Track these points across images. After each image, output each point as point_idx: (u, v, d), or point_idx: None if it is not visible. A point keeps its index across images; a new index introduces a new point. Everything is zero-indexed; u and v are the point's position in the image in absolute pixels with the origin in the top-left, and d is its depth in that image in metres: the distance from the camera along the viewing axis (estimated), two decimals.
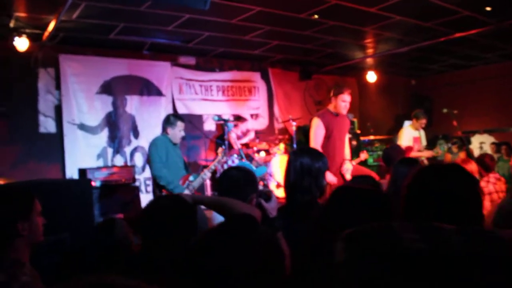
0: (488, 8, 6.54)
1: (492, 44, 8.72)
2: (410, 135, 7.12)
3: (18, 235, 2.02)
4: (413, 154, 6.62)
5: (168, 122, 5.21)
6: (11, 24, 6.19)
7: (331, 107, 5.22)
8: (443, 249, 1.11)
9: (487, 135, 10.12)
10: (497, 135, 10.14)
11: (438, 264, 1.08)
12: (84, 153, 7.37)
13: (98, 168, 6.64)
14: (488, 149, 9.53)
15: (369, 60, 9.74)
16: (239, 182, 2.70)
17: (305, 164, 2.60)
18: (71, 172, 7.07)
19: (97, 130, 7.55)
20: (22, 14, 5.89)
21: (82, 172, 6.49)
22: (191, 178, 5.06)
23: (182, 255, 1.46)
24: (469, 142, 9.53)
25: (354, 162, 5.49)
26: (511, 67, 10.21)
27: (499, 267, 1.10)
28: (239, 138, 7.97)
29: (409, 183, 1.56)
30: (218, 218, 2.68)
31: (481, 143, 9.93)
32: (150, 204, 2.06)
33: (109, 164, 7.48)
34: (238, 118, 8.17)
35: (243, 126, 8.03)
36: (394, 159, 4.24)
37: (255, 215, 2.00)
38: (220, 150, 5.31)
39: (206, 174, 5.20)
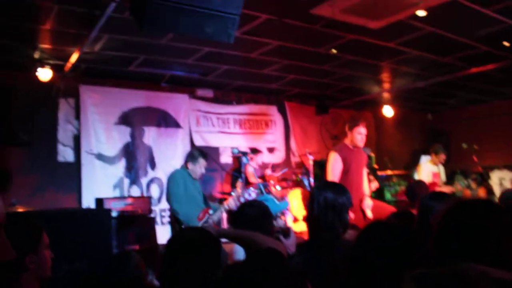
0: (507, 44, 6.54)
1: (509, 79, 8.68)
2: (429, 170, 7.04)
3: (26, 269, 1.95)
4: (435, 190, 6.53)
5: (191, 156, 5.20)
6: (36, 55, 6.34)
7: (347, 140, 5.21)
8: None
9: (507, 171, 9.96)
10: None
11: None
12: (101, 183, 7.40)
13: (115, 198, 6.64)
14: (508, 185, 9.36)
15: (386, 95, 9.75)
16: (256, 220, 2.67)
17: (329, 199, 2.57)
18: (88, 202, 7.08)
19: (115, 161, 7.60)
20: (46, 46, 6.03)
21: (99, 202, 6.49)
22: (210, 211, 5.03)
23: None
24: (489, 178, 9.38)
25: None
26: None
27: None
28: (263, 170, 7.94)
29: (442, 218, 1.51)
30: (239, 252, 2.64)
31: (501, 179, 9.77)
32: (176, 236, 2.05)
33: (126, 194, 7.49)
34: (254, 151, 8.16)
35: (259, 159, 8.01)
36: (419, 194, 4.18)
37: (280, 250, 1.96)
38: (239, 184, 5.29)
39: (225, 208, 5.17)
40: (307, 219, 2.65)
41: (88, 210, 6.25)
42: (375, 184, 7.36)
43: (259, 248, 1.99)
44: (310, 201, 2.63)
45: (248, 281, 1.74)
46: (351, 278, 1.70)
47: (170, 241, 2.05)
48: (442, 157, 7.09)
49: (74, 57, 6.20)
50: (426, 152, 7.78)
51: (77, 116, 7.35)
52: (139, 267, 2.64)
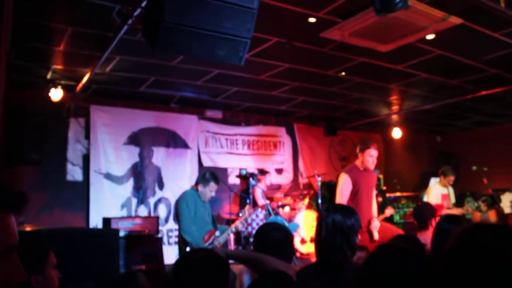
0: None
1: None
2: (438, 192, 6.99)
3: None
4: (443, 212, 6.48)
5: (202, 178, 5.19)
6: (48, 76, 6.44)
7: (358, 162, 5.20)
8: None
9: None
10: None
11: None
12: (108, 202, 7.42)
13: (122, 218, 6.63)
14: None
15: (395, 117, 9.75)
16: (282, 243, 2.66)
17: (337, 221, 2.55)
18: (95, 221, 7.09)
19: (123, 180, 7.62)
20: (59, 67, 6.13)
21: (106, 221, 6.49)
22: (217, 233, 5.02)
23: None
24: (499, 200, 9.29)
25: (379, 219, 5.39)
26: None
27: None
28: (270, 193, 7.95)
29: (454, 243, 1.48)
30: (246, 275, 2.63)
31: None
32: (184, 256, 2.04)
33: (133, 214, 7.49)
34: (262, 172, 8.16)
35: (267, 180, 8.01)
36: (428, 216, 4.14)
37: (289, 273, 1.95)
38: (247, 207, 5.28)
39: (232, 230, 5.15)
40: (315, 241, 2.63)
41: (96, 229, 6.27)
42: (390, 211, 7.25)
43: (269, 269, 1.98)
44: (318, 223, 2.62)
45: None
46: None
47: (178, 261, 2.04)
48: (451, 178, 7.05)
49: (85, 78, 6.28)
50: (435, 174, 7.74)
51: (87, 136, 7.41)
52: (145, 286, 2.63)
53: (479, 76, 6.90)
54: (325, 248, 2.56)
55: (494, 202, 8.17)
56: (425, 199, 6.99)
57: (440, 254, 1.71)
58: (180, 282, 1.96)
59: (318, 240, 2.62)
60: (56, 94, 6.64)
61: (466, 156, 10.88)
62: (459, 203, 7.53)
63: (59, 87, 6.64)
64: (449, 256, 1.48)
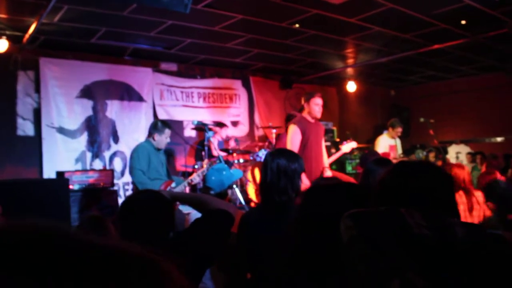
0: (463, 22, 6.73)
1: (467, 57, 8.95)
2: (386, 143, 7.25)
3: None
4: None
5: (155, 128, 5.22)
6: None
7: (305, 113, 5.32)
8: (447, 237, 1.16)
9: (463, 145, 10.35)
10: (473, 145, 10.39)
11: (441, 251, 1.13)
12: (62, 157, 7.32)
13: (77, 172, 6.60)
14: (464, 158, 9.74)
15: (349, 70, 9.90)
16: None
17: (282, 165, 2.65)
18: (49, 176, 7.00)
19: (76, 134, 7.51)
20: (2, 16, 5.86)
21: (60, 175, 6.45)
22: (173, 185, 5.08)
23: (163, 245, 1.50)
24: (446, 152, 9.71)
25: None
26: (486, 80, 10.48)
27: (498, 263, 1.16)
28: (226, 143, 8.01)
29: (383, 178, 1.61)
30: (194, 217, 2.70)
31: (457, 153, 10.15)
32: (130, 198, 2.09)
33: (88, 168, 7.44)
34: (220, 125, 8.21)
35: (223, 133, 8.08)
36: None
37: (230, 211, 2.04)
38: (206, 161, 5.35)
39: (189, 182, 5.23)
40: (260, 184, 2.73)
41: (46, 179, 6.21)
42: (349, 145, 7.05)
43: (211, 209, 2.06)
44: (263, 167, 2.72)
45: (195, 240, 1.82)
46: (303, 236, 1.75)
47: (124, 202, 2.09)
48: (399, 130, 7.31)
49: (32, 28, 6.05)
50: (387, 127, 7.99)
51: (37, 89, 7.20)
52: (110, 228, 2.67)
53: (430, 30, 7.05)
54: (270, 190, 2.66)
55: (440, 154, 8.55)
56: (374, 149, 7.21)
57: (367, 190, 1.85)
58: (126, 222, 2.02)
59: (263, 183, 2.72)
60: (1, 45, 6.38)
61: (417, 109, 11.24)
62: (408, 154, 7.84)
63: (4, 37, 6.38)
64: (380, 186, 1.60)
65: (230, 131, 9.09)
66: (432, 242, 1.15)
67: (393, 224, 1.20)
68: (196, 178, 5.26)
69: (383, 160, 3.22)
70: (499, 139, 10.44)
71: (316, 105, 5.22)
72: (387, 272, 1.08)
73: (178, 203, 3.53)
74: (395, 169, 1.65)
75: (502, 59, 8.90)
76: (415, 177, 1.53)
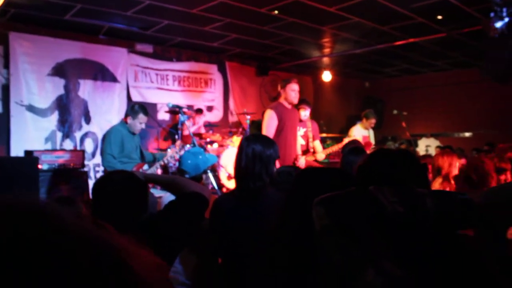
0: (440, 17, 6.82)
1: (441, 52, 9.09)
2: (360, 134, 7.33)
3: None
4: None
5: (131, 110, 5.16)
6: None
7: (282, 99, 5.32)
8: (419, 211, 1.16)
9: (433, 139, 10.56)
10: (442, 139, 10.60)
11: (414, 224, 1.13)
12: (31, 135, 7.14)
13: (46, 151, 6.44)
14: (433, 152, 9.92)
15: (326, 60, 9.93)
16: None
17: (257, 151, 2.64)
18: (17, 155, 6.83)
19: (47, 113, 7.33)
20: None
21: (29, 154, 6.28)
22: (145, 167, 5.03)
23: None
24: (416, 145, 9.89)
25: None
26: (458, 76, 10.68)
27: (466, 224, 1.18)
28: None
29: (361, 164, 1.63)
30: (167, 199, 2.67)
31: (427, 146, 10.34)
32: (103, 177, 2.05)
33: (58, 148, 7.28)
34: (198, 111, 8.16)
35: (198, 120, 8.02)
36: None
37: (204, 194, 2.02)
38: (178, 143, 5.29)
39: (161, 164, 5.18)
40: (235, 169, 2.72)
41: (13, 157, 6.06)
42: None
43: (185, 192, 2.04)
44: (238, 153, 2.70)
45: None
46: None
47: (96, 182, 2.05)
48: (372, 121, 7.40)
49: (1, 0, 5.83)
50: (361, 118, 8.06)
51: (6, 65, 6.97)
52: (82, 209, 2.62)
53: (407, 23, 7.13)
54: (245, 175, 2.64)
55: (411, 146, 8.70)
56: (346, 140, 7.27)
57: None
58: (99, 202, 1.98)
59: (238, 168, 2.70)
60: None
61: (391, 102, 11.37)
62: (380, 145, 7.94)
63: None
64: (359, 172, 1.62)
65: (204, 116, 9.04)
66: (406, 219, 1.14)
67: (365, 206, 1.18)
68: (168, 158, 5.22)
69: (359, 149, 3.25)
70: (467, 134, 10.69)
71: (293, 91, 5.23)
72: (361, 261, 1.07)
73: (149, 186, 3.51)
74: (374, 155, 1.68)
75: (475, 56, 9.07)
76: (393, 163, 1.56)
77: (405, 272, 1.05)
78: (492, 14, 5.53)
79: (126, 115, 5.16)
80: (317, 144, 6.16)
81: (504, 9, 5.30)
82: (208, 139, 7.58)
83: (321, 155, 5.78)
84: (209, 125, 8.33)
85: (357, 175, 1.64)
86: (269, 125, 5.10)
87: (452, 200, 1.22)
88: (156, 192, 4.62)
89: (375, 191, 1.20)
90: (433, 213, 1.15)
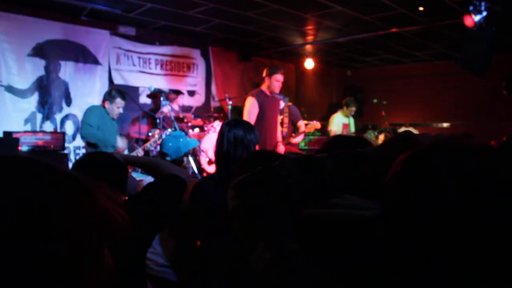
0: (421, 8, 6.91)
1: (422, 43, 9.21)
2: (340, 121, 7.45)
3: None
4: None
5: (108, 95, 5.17)
6: None
7: (264, 87, 5.38)
8: (317, 175, 1.14)
9: (412, 129, 10.72)
10: (421, 129, 10.78)
11: (312, 193, 1.12)
12: (10, 116, 7.05)
13: (26, 132, 6.41)
14: None
15: (308, 47, 9.98)
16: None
17: (238, 136, 2.70)
18: None
19: (27, 94, 7.25)
20: None
21: (8, 135, 6.24)
22: (126, 152, 5.05)
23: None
24: (396, 134, 10.04)
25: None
26: (437, 67, 10.86)
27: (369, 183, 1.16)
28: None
29: (319, 150, 1.72)
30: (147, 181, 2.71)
31: None
32: (82, 158, 2.08)
33: (38, 130, 7.23)
34: (176, 92, 8.16)
35: (179, 101, 8.02)
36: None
37: (183, 176, 2.07)
38: (157, 131, 5.34)
39: (143, 149, 5.21)
40: (216, 154, 2.77)
41: None
42: (315, 125, 7.21)
43: (164, 174, 2.08)
44: (219, 137, 2.75)
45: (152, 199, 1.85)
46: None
47: (75, 163, 2.07)
48: (353, 109, 7.51)
49: None
50: (342, 106, 8.16)
51: None
52: None
53: (389, 14, 7.20)
54: (226, 160, 2.71)
55: (390, 134, 8.84)
56: (328, 127, 7.39)
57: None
58: None
59: (219, 152, 2.76)
60: None
61: (371, 91, 11.51)
62: (360, 133, 8.07)
63: None
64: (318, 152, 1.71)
65: (186, 101, 9.04)
66: (304, 185, 1.12)
67: (270, 181, 1.13)
68: (148, 145, 5.25)
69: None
70: (445, 124, 10.91)
71: (277, 81, 5.31)
72: (254, 236, 1.05)
73: (130, 170, 3.54)
74: (331, 140, 1.77)
75: (455, 48, 9.22)
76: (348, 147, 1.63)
77: (301, 246, 1.02)
78: (471, 8, 5.64)
79: (104, 100, 5.17)
80: (301, 124, 6.25)
81: (483, 3, 5.42)
82: (189, 124, 7.61)
83: (297, 139, 5.86)
84: (190, 110, 8.33)
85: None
86: (250, 112, 5.17)
87: (349, 158, 1.18)
88: (137, 175, 4.65)
89: (278, 165, 1.16)
90: (331, 173, 1.14)
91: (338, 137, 1.87)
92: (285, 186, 1.12)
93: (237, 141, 2.70)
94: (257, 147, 2.81)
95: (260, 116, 5.19)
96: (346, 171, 1.15)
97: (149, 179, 3.11)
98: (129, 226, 0.73)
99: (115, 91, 5.24)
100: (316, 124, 6.28)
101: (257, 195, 1.12)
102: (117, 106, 5.13)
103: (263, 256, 1.00)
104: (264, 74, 5.44)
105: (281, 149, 5.44)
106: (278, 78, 5.31)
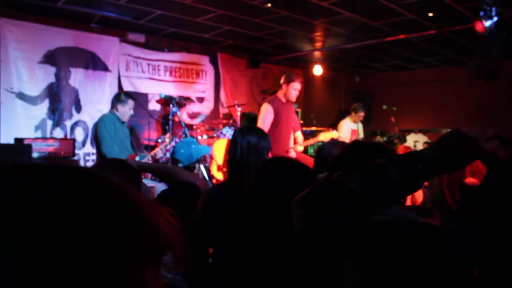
0: (431, 14, 6.89)
1: (431, 49, 9.18)
2: (348, 127, 7.42)
3: None
4: None
5: (118, 99, 5.18)
6: None
7: (280, 94, 5.37)
8: (387, 183, 1.13)
9: (421, 135, 10.67)
10: (430, 135, 10.72)
11: (385, 199, 1.13)
12: (21, 123, 7.11)
13: (37, 139, 6.45)
14: (421, 147, 10.05)
15: (317, 54, 9.98)
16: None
17: (252, 142, 2.70)
18: (7, 142, 6.80)
19: (37, 101, 7.30)
20: None
21: (19, 141, 6.28)
22: (137, 158, 5.05)
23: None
24: (405, 140, 9.99)
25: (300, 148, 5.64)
26: (447, 72, 10.81)
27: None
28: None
29: (337, 154, 1.71)
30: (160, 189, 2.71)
31: (415, 141, 10.45)
32: (97, 166, 2.08)
33: (48, 136, 7.27)
34: (186, 99, 8.18)
35: (189, 108, 8.05)
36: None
37: (198, 184, 2.06)
38: (168, 135, 5.34)
39: (153, 156, 5.21)
40: (228, 161, 2.76)
41: (6, 144, 6.05)
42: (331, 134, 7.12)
43: (178, 181, 2.07)
44: (232, 144, 2.75)
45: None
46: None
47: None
48: (361, 115, 7.48)
49: None
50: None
51: None
52: None
53: (398, 19, 7.19)
54: (240, 166, 2.70)
55: (400, 141, 8.80)
56: (336, 133, 7.33)
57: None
58: None
59: (232, 159, 2.75)
60: None
61: (380, 97, 11.47)
62: (369, 139, 8.03)
63: None
64: (333, 161, 1.69)
65: (195, 107, 9.06)
66: (376, 196, 1.11)
67: (341, 198, 1.11)
68: (158, 152, 5.25)
69: (334, 143, 3.32)
70: None
71: (295, 90, 5.31)
72: (340, 257, 1.04)
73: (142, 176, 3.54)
74: (350, 146, 1.76)
75: (465, 54, 9.17)
76: (367, 154, 1.62)
77: (380, 258, 1.05)
78: (481, 13, 5.61)
79: (114, 105, 5.19)
80: (298, 135, 6.07)
81: (494, 9, 5.39)
82: (198, 130, 7.61)
83: (299, 147, 5.75)
84: (199, 116, 8.35)
85: (331, 165, 1.72)
86: (265, 119, 5.17)
87: (410, 158, 1.18)
88: (148, 182, 4.65)
89: (342, 178, 1.15)
90: (397, 178, 1.12)
91: (357, 142, 1.86)
92: (356, 199, 1.10)
93: (250, 148, 2.69)
94: (269, 154, 2.80)
95: (275, 123, 5.19)
96: (409, 175, 1.14)
97: (160, 185, 3.11)
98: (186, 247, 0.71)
99: (124, 94, 5.29)
100: (334, 133, 6.25)
101: (330, 212, 1.09)
102: (129, 108, 5.18)
103: (352, 275, 1.00)
104: (281, 81, 5.42)
105: (292, 154, 5.42)
106: (296, 86, 5.31)
